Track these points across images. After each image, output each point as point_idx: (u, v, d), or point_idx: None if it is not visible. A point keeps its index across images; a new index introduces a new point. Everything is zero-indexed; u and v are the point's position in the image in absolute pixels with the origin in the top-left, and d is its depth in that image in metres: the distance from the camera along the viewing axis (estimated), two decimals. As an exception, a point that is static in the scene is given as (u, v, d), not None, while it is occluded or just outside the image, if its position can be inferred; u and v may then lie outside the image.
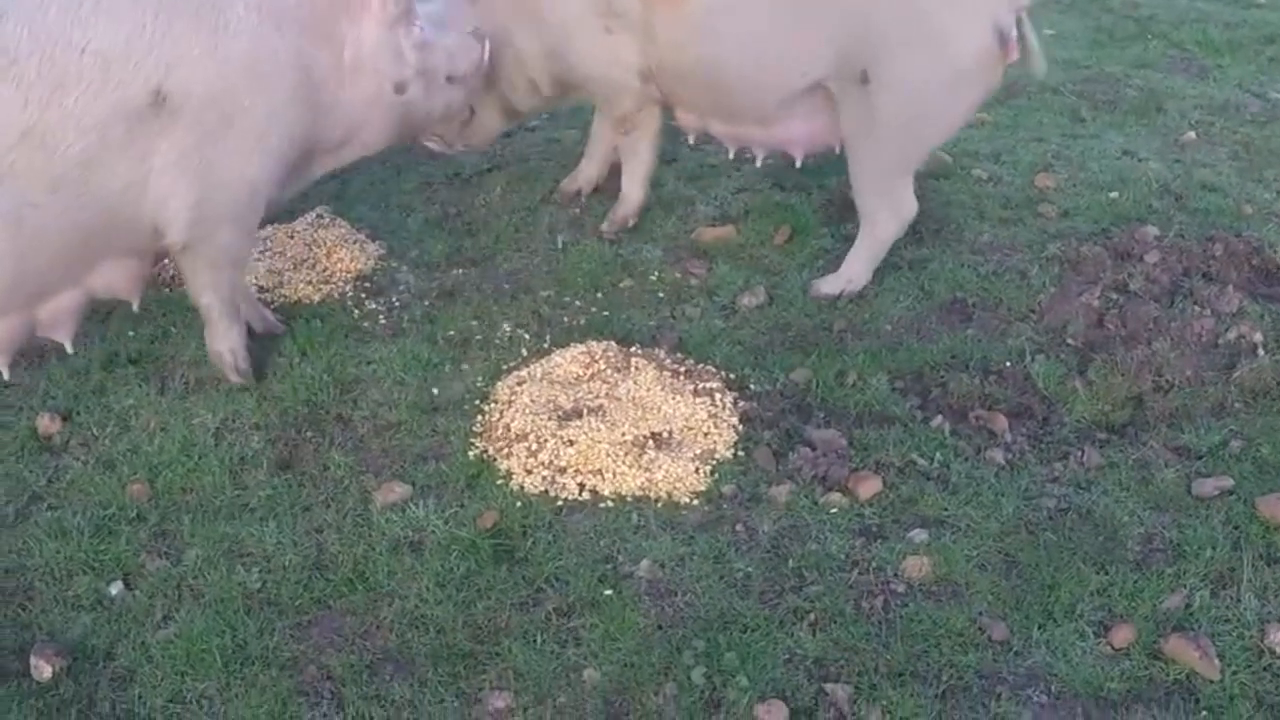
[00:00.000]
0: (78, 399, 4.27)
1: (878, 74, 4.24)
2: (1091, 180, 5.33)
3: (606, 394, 3.84)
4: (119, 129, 3.54)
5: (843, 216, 5.08)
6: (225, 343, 4.18)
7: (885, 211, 4.54)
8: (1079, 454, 3.69)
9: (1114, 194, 5.23)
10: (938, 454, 3.70)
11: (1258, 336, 4.16)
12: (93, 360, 4.45)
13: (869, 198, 4.56)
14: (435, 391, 4.13)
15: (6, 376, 3.95)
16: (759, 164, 4.98)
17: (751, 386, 4.06)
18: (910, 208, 4.55)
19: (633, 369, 3.97)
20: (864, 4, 4.23)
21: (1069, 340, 4.22)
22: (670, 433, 3.74)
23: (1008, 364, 4.12)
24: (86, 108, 3.48)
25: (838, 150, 4.65)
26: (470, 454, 3.80)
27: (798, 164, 4.83)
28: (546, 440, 3.71)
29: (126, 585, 3.46)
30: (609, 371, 3.95)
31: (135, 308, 4.12)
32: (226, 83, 3.70)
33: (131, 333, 4.52)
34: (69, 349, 4.01)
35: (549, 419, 3.76)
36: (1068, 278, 4.50)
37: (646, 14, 4.50)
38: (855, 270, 4.64)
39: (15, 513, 3.77)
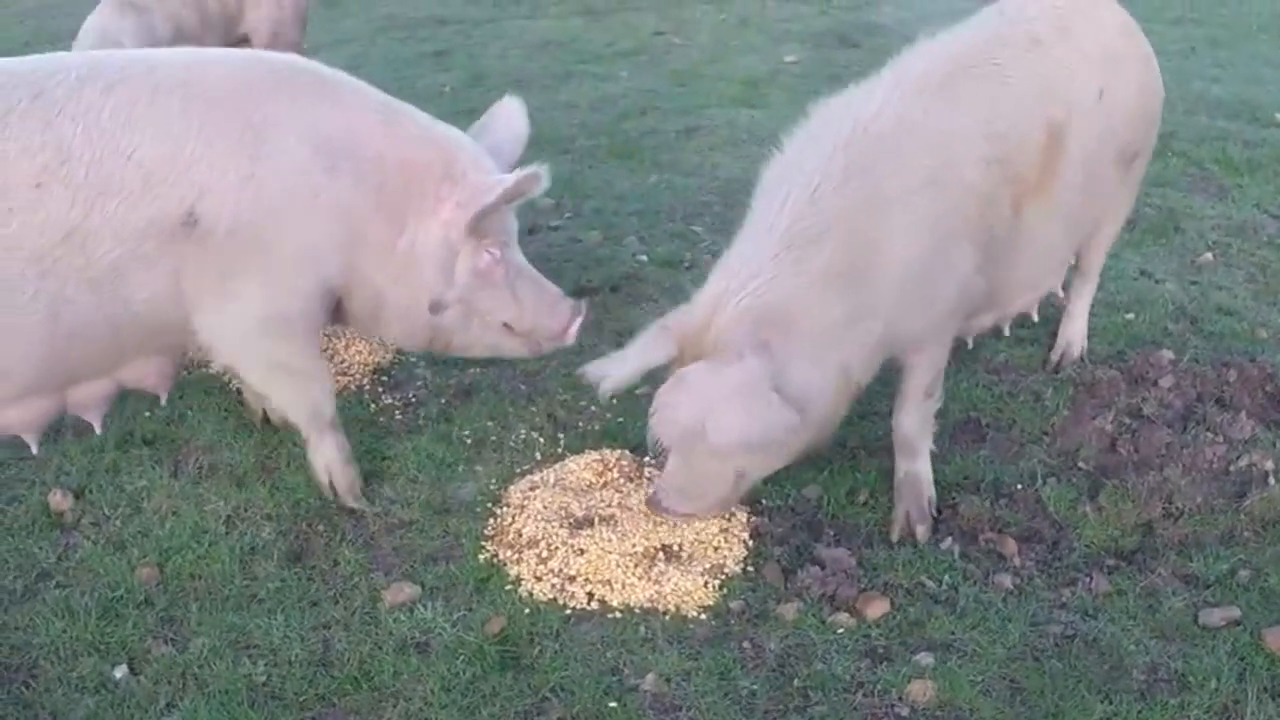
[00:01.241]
0: (90, 477, 4.32)
1: (1144, 145, 4.38)
2: (1109, 300, 5.36)
3: (619, 503, 3.85)
4: (151, 243, 3.51)
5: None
6: (321, 458, 4.06)
7: (1102, 260, 4.78)
8: (1087, 580, 3.68)
9: (1130, 315, 5.25)
10: (946, 576, 3.69)
11: (1269, 465, 4.15)
12: (108, 439, 4.48)
13: (1097, 255, 4.73)
14: (448, 492, 4.15)
15: (35, 451, 3.96)
16: (1005, 331, 4.62)
17: (763, 501, 4.06)
18: None
19: (645, 479, 3.98)
20: (1141, 84, 4.24)
21: (1081, 464, 4.22)
22: (680, 545, 3.74)
23: (1019, 487, 4.12)
24: (125, 217, 3.46)
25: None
26: (480, 557, 3.81)
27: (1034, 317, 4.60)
28: (557, 548, 3.71)
29: (131, 670, 3.47)
30: (621, 480, 3.97)
31: (163, 401, 4.12)
32: (256, 215, 3.59)
33: (148, 413, 4.56)
34: (98, 429, 4.03)
35: (560, 526, 3.77)
36: (1082, 400, 4.51)
37: (1014, 222, 3.82)
38: (1084, 325, 4.83)
39: (23, 589, 3.80)
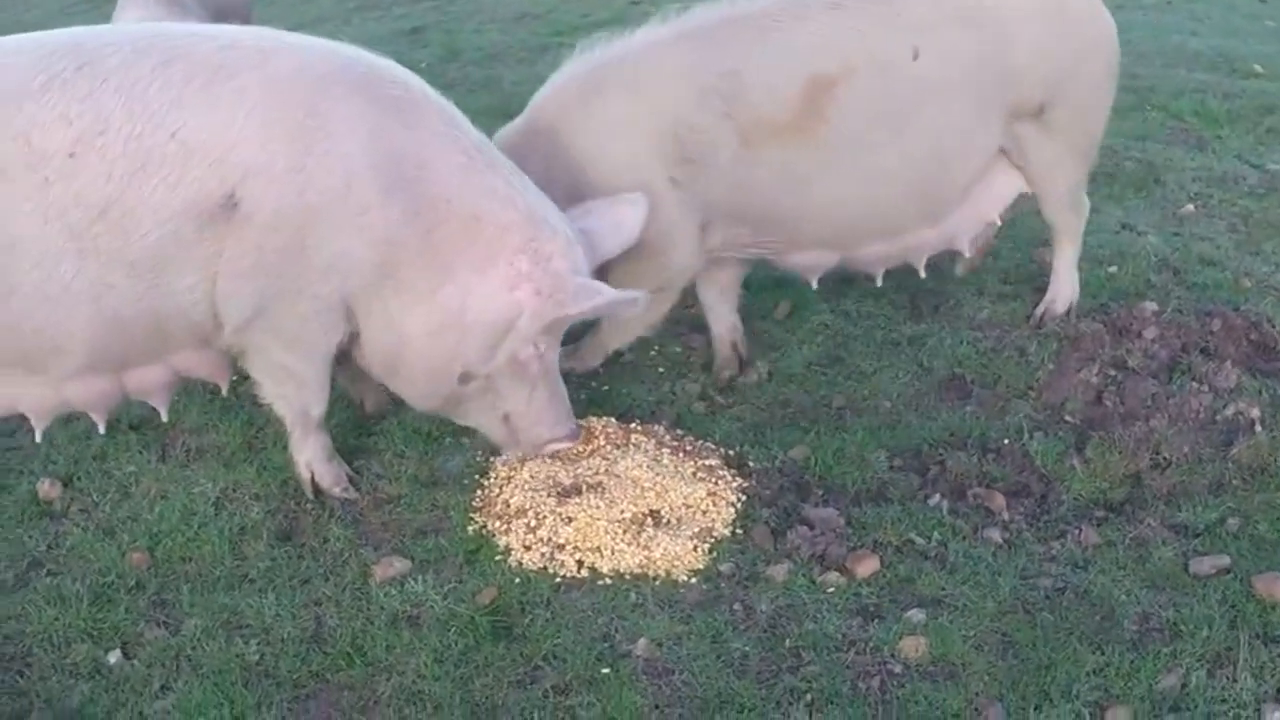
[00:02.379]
0: (78, 464, 4.31)
1: (1056, 97, 4.39)
2: (1090, 255, 5.35)
3: (606, 470, 3.85)
4: (190, 226, 3.43)
5: (840, 291, 5.11)
6: (302, 455, 4.00)
7: (1078, 219, 4.79)
8: (1076, 532, 3.69)
9: (1113, 269, 5.25)
10: (935, 533, 3.70)
11: (1255, 413, 4.16)
12: (94, 426, 4.47)
13: (1063, 214, 4.74)
14: (435, 465, 4.15)
15: (102, 430, 3.98)
16: (922, 273, 4.67)
17: (750, 464, 4.07)
18: (1087, 204, 4.85)
19: (632, 445, 3.98)
20: (1033, 40, 4.31)
21: (1067, 418, 4.24)
22: (669, 510, 3.75)
23: (1006, 442, 4.13)
24: (164, 197, 3.39)
25: (999, 223, 4.71)
26: (469, 529, 3.81)
27: (965, 254, 4.74)
28: (545, 517, 3.71)
29: (125, 654, 3.47)
30: (608, 448, 3.96)
31: (224, 392, 4.09)
32: (297, 209, 3.47)
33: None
34: (164, 416, 4.02)
35: (548, 495, 3.77)
36: (1066, 354, 4.52)
37: (746, 155, 4.12)
38: (1071, 282, 4.85)
39: (15, 578, 3.80)
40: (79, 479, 4.23)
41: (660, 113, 4.09)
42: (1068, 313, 4.83)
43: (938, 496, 3.87)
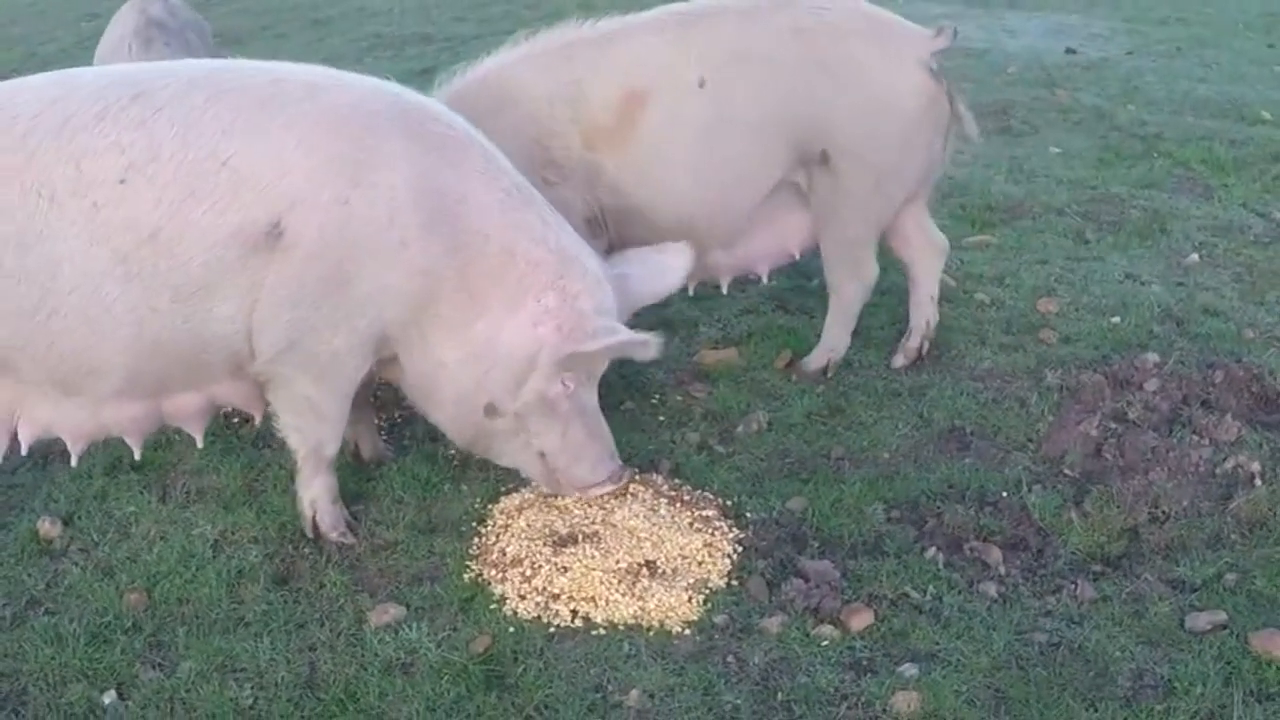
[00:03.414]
0: (79, 503, 4.33)
1: (838, 149, 4.45)
2: (1094, 305, 5.38)
3: (602, 520, 3.85)
4: (234, 253, 3.50)
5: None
6: (308, 493, 4.01)
7: (851, 281, 4.81)
8: (1072, 587, 3.68)
9: (1116, 319, 5.27)
10: (930, 586, 3.69)
11: (1255, 466, 4.15)
12: (95, 465, 4.50)
13: (837, 269, 4.80)
14: (434, 512, 4.15)
15: (137, 455, 4.05)
16: (724, 290, 5.03)
17: (748, 514, 4.07)
18: (872, 273, 4.83)
19: (629, 495, 3.98)
20: (810, 90, 4.43)
21: (1066, 470, 4.23)
22: (665, 561, 3.74)
23: (1004, 494, 4.13)
24: (211, 223, 3.46)
25: (798, 256, 4.85)
26: (465, 576, 3.81)
27: (764, 280, 4.97)
28: (541, 566, 3.72)
29: (120, 695, 3.47)
30: (605, 497, 3.95)
31: (257, 422, 4.11)
32: (340, 241, 3.55)
33: (137, 439, 4.57)
34: (199, 443, 4.07)
35: (544, 545, 3.78)
36: (1067, 406, 4.52)
37: (589, 158, 4.49)
38: (834, 338, 4.93)
39: (12, 616, 3.81)
40: (79, 518, 4.25)
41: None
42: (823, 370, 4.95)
43: (934, 549, 3.85)
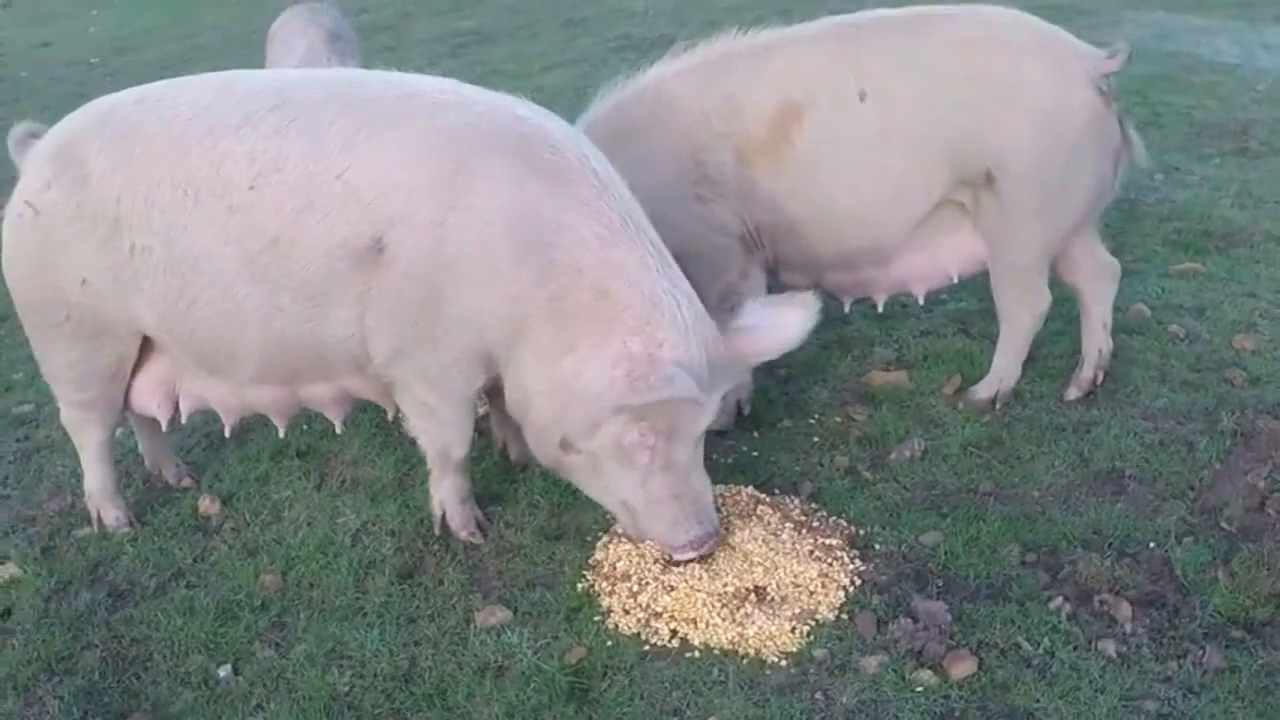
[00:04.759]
0: (241, 484, 4.56)
1: (1003, 169, 4.26)
2: (1298, 337, 4.97)
3: (720, 541, 3.79)
4: (344, 264, 3.62)
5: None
6: (438, 493, 4.11)
7: (1021, 310, 4.60)
8: (1200, 653, 3.40)
9: (1320, 356, 4.84)
10: (1046, 639, 3.47)
11: None
12: (264, 449, 4.73)
13: (1006, 296, 4.60)
14: (564, 519, 4.18)
15: (282, 434, 4.27)
16: (879, 308, 4.89)
17: (877, 545, 3.94)
18: (1044, 301, 4.60)
19: (755, 517, 3.92)
20: (975, 107, 4.24)
21: (1223, 524, 3.91)
22: (775, 588, 3.67)
23: (1151, 545, 3.84)
24: (324, 234, 3.59)
25: (956, 279, 4.64)
26: (579, 586, 3.82)
27: (920, 301, 4.78)
28: (648, 583, 3.70)
29: (235, 670, 3.65)
30: (730, 517, 3.90)
31: (390, 416, 4.22)
32: (435, 262, 3.56)
33: (305, 426, 4.77)
34: (338, 429, 4.26)
35: (654, 561, 3.76)
36: (1237, 453, 4.19)
37: (743, 173, 4.40)
38: (1004, 369, 4.73)
39: (156, 586, 4.05)
40: (239, 498, 4.47)
41: None
42: (992, 400, 4.71)
43: (1061, 599, 3.63)
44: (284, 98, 3.68)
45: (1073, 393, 4.74)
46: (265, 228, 3.62)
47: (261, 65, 6.77)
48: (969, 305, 5.45)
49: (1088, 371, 4.73)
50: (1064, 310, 5.07)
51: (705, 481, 3.79)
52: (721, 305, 4.18)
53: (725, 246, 4.48)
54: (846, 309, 4.91)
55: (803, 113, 4.34)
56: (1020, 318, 4.62)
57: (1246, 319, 5.21)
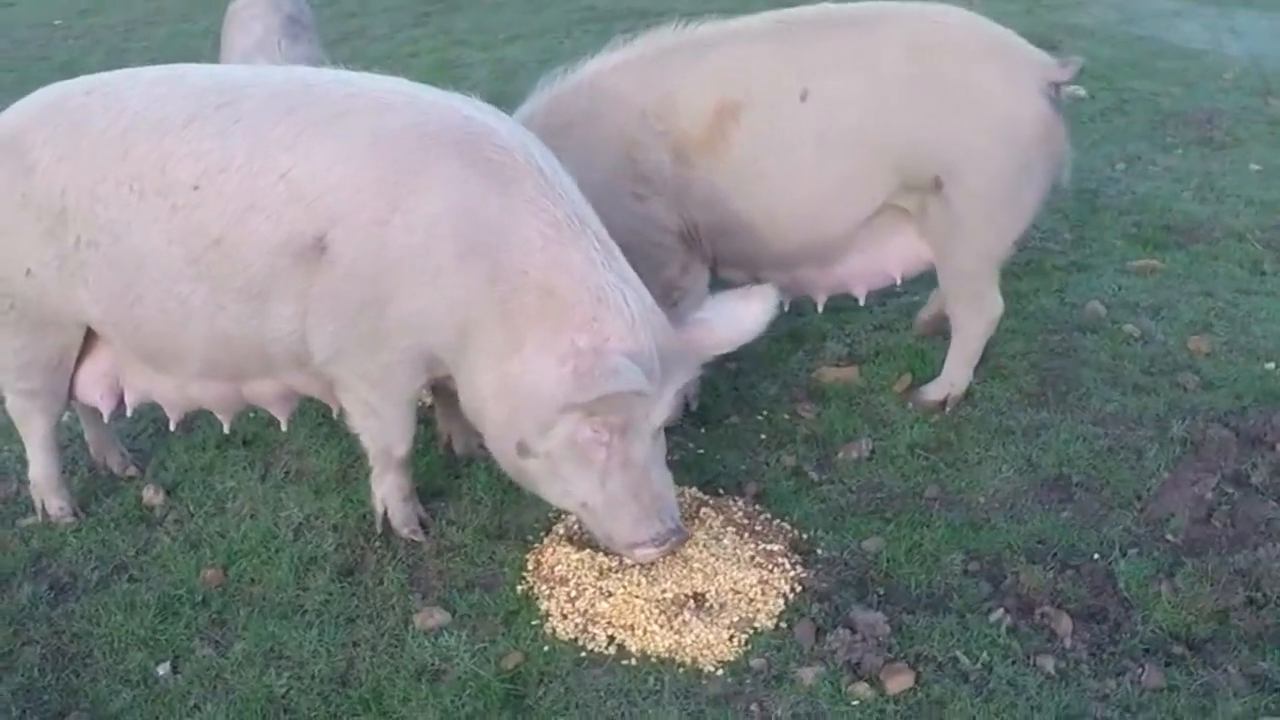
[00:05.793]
0: (187, 474, 4.53)
1: (952, 176, 4.21)
2: (1250, 347, 4.96)
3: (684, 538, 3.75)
4: (286, 262, 3.59)
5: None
6: (379, 490, 4.09)
7: (972, 317, 4.59)
8: (1139, 671, 3.40)
9: (1270, 365, 4.85)
10: (985, 653, 3.47)
11: (1379, 557, 3.75)
12: (210, 437, 4.68)
13: (957, 303, 4.60)
14: (506, 517, 4.16)
15: (226, 430, 4.28)
16: (820, 309, 4.82)
17: (819, 550, 3.93)
18: (996, 307, 4.59)
19: (697, 520, 3.91)
20: (923, 111, 4.19)
21: (1169, 536, 3.92)
22: (714, 594, 3.66)
23: (1095, 556, 3.85)
24: (267, 233, 3.56)
25: (899, 281, 4.63)
26: (518, 588, 3.81)
27: (860, 301, 4.73)
28: (586, 588, 3.69)
29: (174, 668, 3.64)
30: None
31: (335, 414, 4.16)
32: (378, 262, 3.54)
33: (252, 414, 4.72)
34: (284, 427, 4.24)
35: (593, 566, 3.75)
36: (1186, 463, 4.19)
37: (679, 172, 4.35)
38: (955, 374, 4.71)
39: (98, 580, 4.02)
40: (183, 489, 4.43)
41: None
42: (942, 402, 4.70)
43: (1001, 610, 3.62)
44: (230, 96, 3.64)
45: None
46: (209, 228, 3.59)
47: (221, 24, 6.71)
48: (924, 300, 5.43)
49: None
50: (1017, 308, 5.07)
51: (667, 478, 3.76)
52: (665, 300, 4.07)
53: (664, 243, 4.46)
54: (785, 307, 4.72)
55: (740, 112, 4.28)
56: (972, 325, 4.61)
57: (1203, 319, 5.21)
